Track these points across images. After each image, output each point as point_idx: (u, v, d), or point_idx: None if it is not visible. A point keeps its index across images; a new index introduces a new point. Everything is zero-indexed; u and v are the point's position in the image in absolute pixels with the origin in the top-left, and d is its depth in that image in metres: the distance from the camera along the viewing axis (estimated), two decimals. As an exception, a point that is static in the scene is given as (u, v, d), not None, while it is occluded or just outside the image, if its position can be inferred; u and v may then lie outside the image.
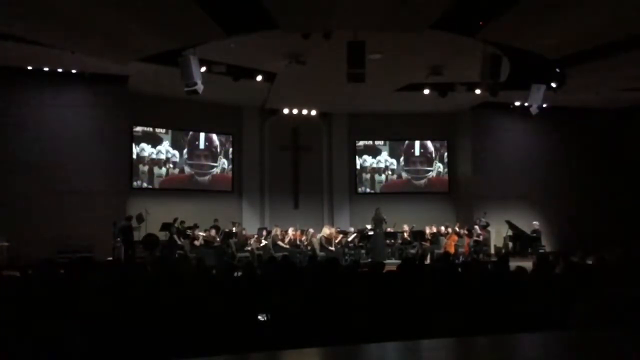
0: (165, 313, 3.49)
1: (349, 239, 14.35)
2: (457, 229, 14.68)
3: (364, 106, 16.27)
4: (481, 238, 14.75)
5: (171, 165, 15.61)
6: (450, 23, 9.79)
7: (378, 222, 14.14)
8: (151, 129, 15.24)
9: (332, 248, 13.50)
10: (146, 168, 15.12)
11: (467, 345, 2.25)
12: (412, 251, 14.05)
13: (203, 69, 11.26)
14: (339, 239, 13.98)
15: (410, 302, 3.97)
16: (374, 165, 17.77)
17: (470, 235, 14.57)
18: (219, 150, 16.49)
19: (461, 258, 13.68)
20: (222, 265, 8.79)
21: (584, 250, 9.93)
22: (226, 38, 10.22)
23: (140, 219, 12.71)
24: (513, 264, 6.48)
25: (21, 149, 12.50)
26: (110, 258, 11.69)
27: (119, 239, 12.35)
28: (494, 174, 16.40)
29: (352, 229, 15.08)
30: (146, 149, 15.11)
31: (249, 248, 13.34)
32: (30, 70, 12.45)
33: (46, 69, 12.54)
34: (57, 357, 2.98)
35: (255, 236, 14.02)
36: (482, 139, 16.75)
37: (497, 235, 15.72)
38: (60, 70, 12.69)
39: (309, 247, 13.61)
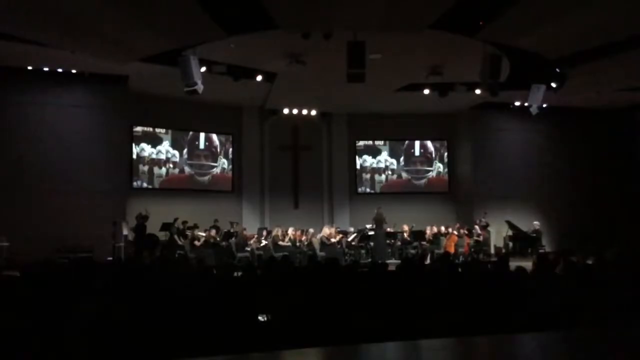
0: (165, 313, 3.48)
1: (349, 239, 14.35)
2: (457, 229, 14.67)
3: (364, 106, 16.27)
4: (481, 238, 14.75)
5: (171, 165, 15.61)
6: (450, 23, 9.79)
7: (379, 222, 14.14)
8: (151, 129, 15.24)
9: (334, 240, 13.52)
10: (146, 168, 15.11)
11: (467, 345, 2.25)
12: (412, 251, 14.05)
13: (203, 69, 11.25)
14: (338, 238, 13.98)
15: (410, 302, 3.97)
16: (374, 165, 17.76)
17: (470, 235, 14.56)
18: (219, 150, 16.49)
19: (461, 258, 13.68)
20: (222, 265, 8.79)
21: (584, 250, 9.92)
22: (226, 38, 10.22)
23: (146, 217, 12.71)
24: (513, 264, 6.48)
25: (21, 149, 12.49)
26: (110, 258, 11.68)
27: (127, 236, 12.51)
28: (494, 174, 16.39)
29: (352, 229, 15.08)
30: (146, 149, 15.10)
31: (249, 248, 13.34)
32: (30, 70, 12.44)
33: (46, 69, 12.54)
34: (58, 357, 2.98)
35: (255, 236, 14.01)
36: (482, 139, 16.75)
37: (497, 235, 15.71)
38: (60, 70, 12.68)
39: (309, 247, 13.63)
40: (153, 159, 15.23)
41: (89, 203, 12.78)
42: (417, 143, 17.83)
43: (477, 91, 13.14)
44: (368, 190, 17.66)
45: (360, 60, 9.99)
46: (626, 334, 2.35)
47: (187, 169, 15.88)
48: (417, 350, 2.22)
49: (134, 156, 14.77)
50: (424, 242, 14.38)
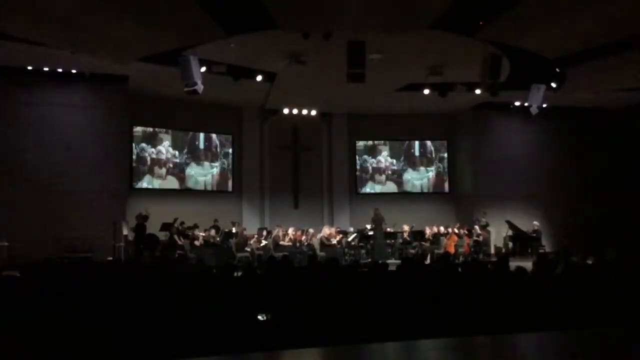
0: (165, 313, 3.48)
1: (349, 239, 14.35)
2: (457, 229, 14.66)
3: (364, 106, 16.26)
4: (481, 238, 14.74)
5: (171, 165, 15.61)
6: (450, 23, 9.78)
7: (377, 222, 14.14)
8: (151, 129, 15.24)
9: (334, 242, 13.52)
10: (146, 168, 15.12)
11: (467, 345, 2.25)
12: (412, 251, 14.04)
13: (203, 69, 11.25)
14: (338, 238, 13.98)
15: (410, 302, 3.97)
16: (374, 165, 17.77)
17: (470, 235, 14.55)
18: (219, 150, 16.49)
19: (461, 258, 13.67)
20: (222, 265, 8.78)
21: (584, 250, 9.92)
22: (226, 38, 10.22)
23: (146, 217, 12.70)
24: (513, 264, 6.48)
25: (21, 149, 12.49)
26: (110, 258, 11.68)
27: (127, 236, 12.52)
28: (494, 174, 16.39)
29: (352, 229, 15.08)
30: (146, 149, 15.10)
31: (249, 248, 13.33)
32: (30, 70, 12.43)
33: (46, 69, 12.52)
34: (58, 357, 2.98)
35: (256, 236, 14.01)
36: (482, 139, 16.75)
37: (497, 235, 15.70)
38: (60, 70, 12.66)
39: (309, 247, 13.63)
40: (153, 159, 15.23)
41: (89, 203, 12.77)
42: (417, 143, 17.83)
43: (477, 91, 13.13)
44: (368, 190, 17.65)
45: (360, 60, 9.99)
46: (626, 334, 2.35)
47: (187, 169, 15.88)
48: (417, 350, 2.21)
49: (134, 156, 14.77)
50: (424, 242, 14.38)
